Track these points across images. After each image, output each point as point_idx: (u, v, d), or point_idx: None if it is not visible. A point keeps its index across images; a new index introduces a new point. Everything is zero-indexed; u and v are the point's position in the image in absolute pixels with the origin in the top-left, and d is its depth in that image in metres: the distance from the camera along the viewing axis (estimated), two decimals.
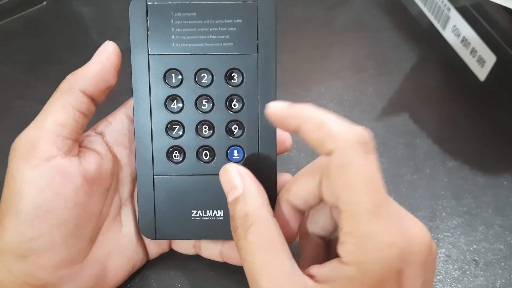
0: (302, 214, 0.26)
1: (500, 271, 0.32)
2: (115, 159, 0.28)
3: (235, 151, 0.27)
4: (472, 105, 0.40)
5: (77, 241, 0.26)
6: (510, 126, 0.38)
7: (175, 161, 0.27)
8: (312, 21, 0.47)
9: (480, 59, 0.38)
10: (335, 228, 0.26)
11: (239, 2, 0.26)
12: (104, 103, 0.28)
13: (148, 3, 0.26)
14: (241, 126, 0.27)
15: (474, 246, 0.33)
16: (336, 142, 0.21)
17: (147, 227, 0.28)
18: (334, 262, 0.22)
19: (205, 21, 0.26)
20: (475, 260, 0.32)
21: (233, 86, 0.27)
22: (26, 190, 0.24)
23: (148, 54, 0.27)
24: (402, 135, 0.39)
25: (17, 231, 0.24)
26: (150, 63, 0.27)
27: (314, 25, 0.47)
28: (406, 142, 0.38)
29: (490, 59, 0.37)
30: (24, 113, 0.40)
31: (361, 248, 0.21)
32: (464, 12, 0.39)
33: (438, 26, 0.42)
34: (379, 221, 0.21)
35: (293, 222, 0.26)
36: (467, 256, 0.32)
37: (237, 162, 0.27)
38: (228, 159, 0.27)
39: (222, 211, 0.28)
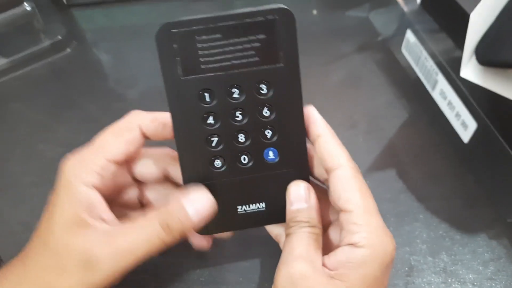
0: None
1: None
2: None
3: (270, 152, 0.30)
4: (456, 165, 0.43)
5: None
6: (491, 188, 0.40)
7: (217, 168, 0.30)
8: (310, 76, 0.50)
9: (463, 123, 0.40)
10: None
11: (260, 19, 0.28)
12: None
13: (173, 31, 0.28)
14: (273, 130, 0.30)
15: None
16: (340, 161, 0.29)
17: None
18: (345, 248, 0.27)
19: (230, 41, 0.28)
20: None
21: (262, 96, 0.29)
22: None
23: (180, 78, 0.29)
24: (387, 191, 0.41)
25: None
26: (183, 86, 0.29)
27: (312, 80, 0.50)
28: (390, 198, 0.41)
29: (472, 125, 0.39)
30: (46, 157, 0.45)
31: (375, 235, 0.27)
32: (449, 78, 0.41)
33: (428, 87, 0.45)
34: (381, 218, 0.28)
35: None
36: None
37: (273, 161, 0.31)
38: (265, 159, 0.31)
39: (263, 203, 0.31)
